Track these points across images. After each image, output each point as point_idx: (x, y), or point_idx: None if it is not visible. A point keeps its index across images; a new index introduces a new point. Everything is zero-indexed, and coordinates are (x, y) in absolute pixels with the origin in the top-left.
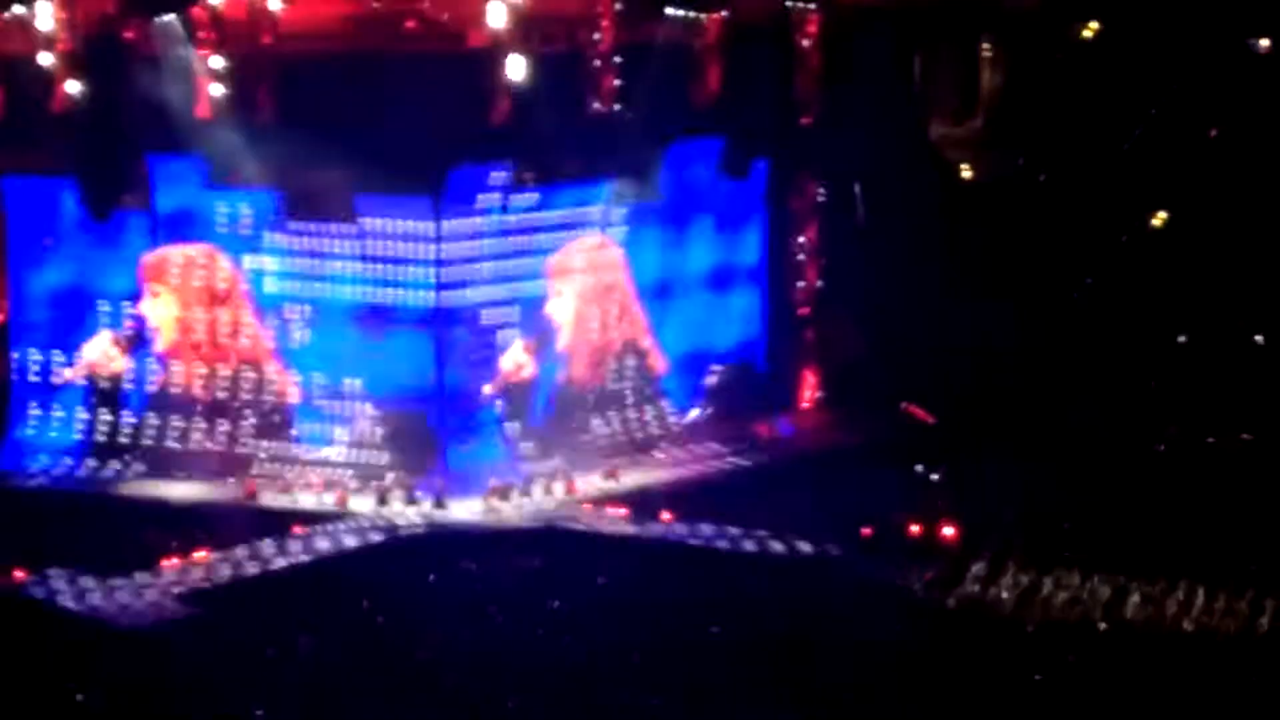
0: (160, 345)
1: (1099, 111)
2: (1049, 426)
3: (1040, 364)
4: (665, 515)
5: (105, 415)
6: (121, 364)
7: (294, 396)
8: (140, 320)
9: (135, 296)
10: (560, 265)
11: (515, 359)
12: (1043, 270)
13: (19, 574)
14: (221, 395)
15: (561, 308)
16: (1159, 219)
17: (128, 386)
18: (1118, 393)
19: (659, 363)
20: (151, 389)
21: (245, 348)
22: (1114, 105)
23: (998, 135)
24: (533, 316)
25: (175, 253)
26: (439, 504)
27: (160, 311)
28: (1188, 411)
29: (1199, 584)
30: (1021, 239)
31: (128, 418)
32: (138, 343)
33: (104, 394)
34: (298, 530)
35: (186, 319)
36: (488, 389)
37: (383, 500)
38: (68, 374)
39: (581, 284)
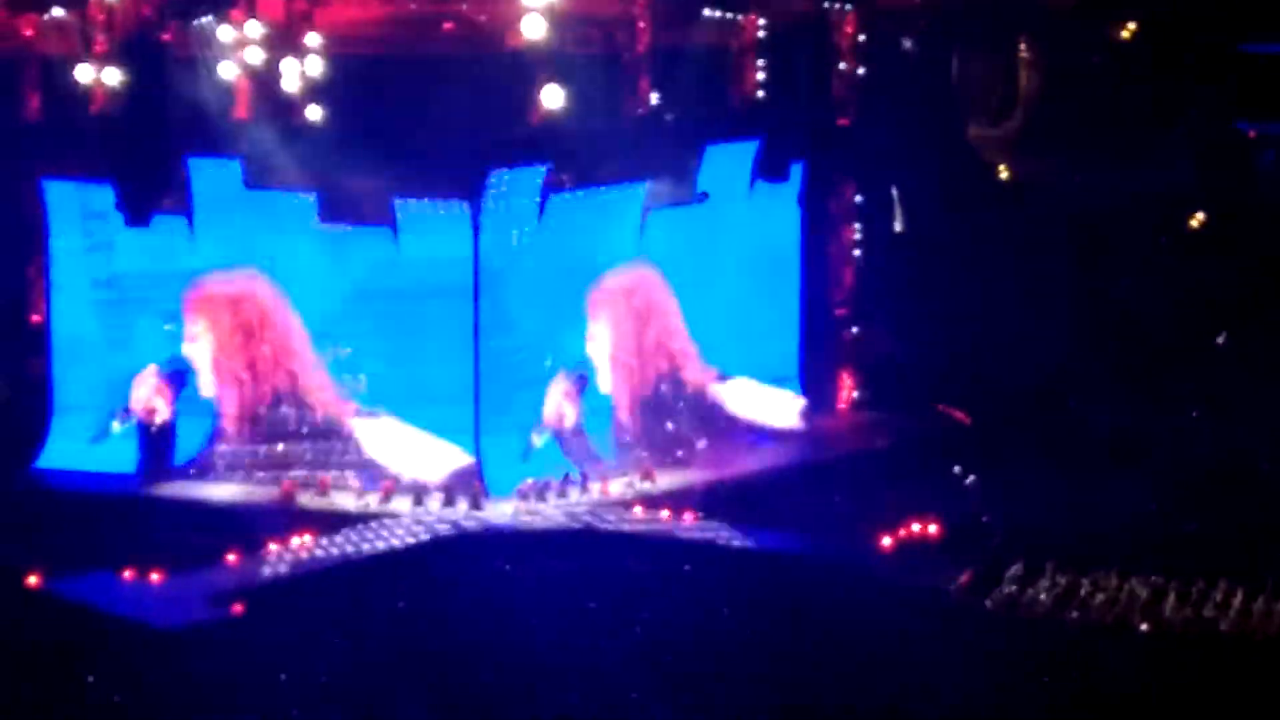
0: (204, 384)
1: (1136, 112)
2: (1086, 428)
3: (1077, 365)
4: (691, 516)
5: (152, 442)
6: (166, 413)
7: (336, 411)
8: (184, 362)
9: (176, 310)
10: (594, 303)
11: (558, 406)
12: (1080, 271)
13: (57, 575)
14: (262, 413)
15: (598, 349)
16: (1197, 220)
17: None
18: (1154, 394)
19: (706, 377)
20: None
21: (287, 377)
22: (1151, 105)
23: (1035, 136)
24: (572, 332)
25: (215, 287)
26: (475, 505)
27: (202, 353)
28: (1225, 414)
29: (1238, 586)
30: (1059, 240)
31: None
32: (182, 383)
33: (150, 431)
34: (334, 532)
35: (228, 358)
36: (536, 440)
37: (419, 501)
38: (116, 425)
39: (615, 323)
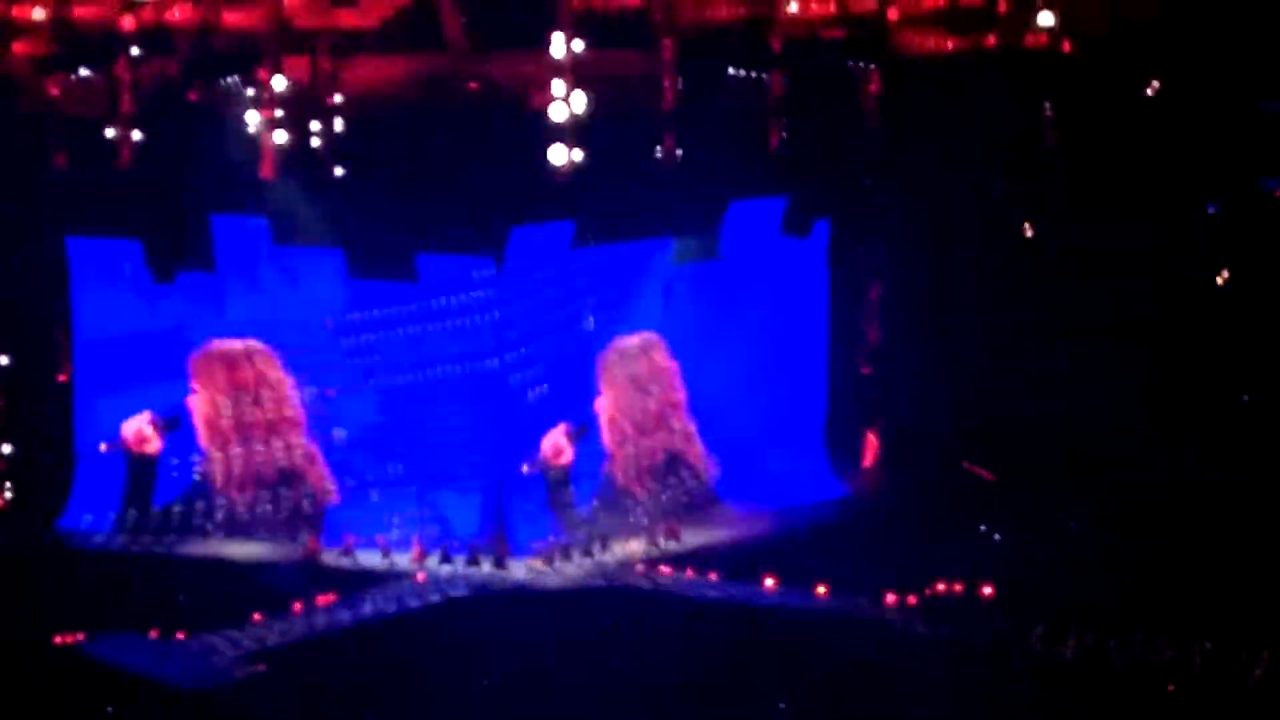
0: (202, 438)
1: (1161, 169)
2: (1114, 485)
3: (1105, 422)
4: (714, 575)
5: (144, 487)
6: (156, 445)
7: (334, 496)
8: (183, 409)
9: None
10: (603, 363)
11: (555, 441)
12: (1107, 327)
13: (81, 635)
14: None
15: (603, 405)
16: (1221, 277)
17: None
18: (1184, 451)
19: (709, 469)
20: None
21: (283, 451)
22: (1177, 161)
23: (1060, 192)
24: (583, 390)
25: (220, 352)
26: (499, 564)
27: (201, 409)
28: (1254, 470)
29: (1266, 646)
30: (1084, 296)
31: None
32: (174, 428)
33: (140, 469)
34: (357, 590)
35: (223, 424)
36: (525, 469)
37: (445, 559)
38: (102, 447)
39: (619, 387)
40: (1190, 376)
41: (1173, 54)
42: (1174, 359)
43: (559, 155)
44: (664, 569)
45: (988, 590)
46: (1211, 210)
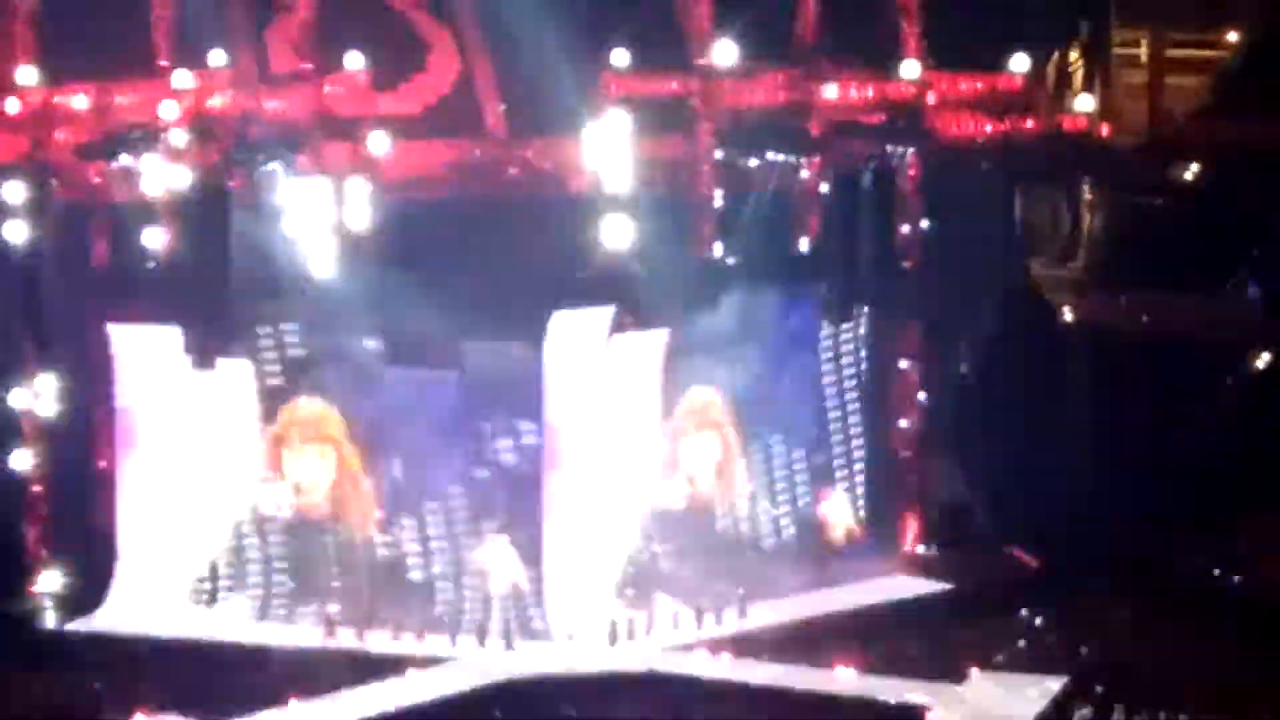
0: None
1: (1201, 252)
2: (1156, 573)
3: (1148, 508)
4: (759, 659)
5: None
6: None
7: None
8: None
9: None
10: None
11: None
12: (1148, 412)
13: None
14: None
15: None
16: (1263, 360)
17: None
18: (1226, 537)
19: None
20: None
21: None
22: (1216, 246)
23: (1099, 276)
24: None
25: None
26: (537, 644)
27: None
28: None
29: None
30: (1125, 380)
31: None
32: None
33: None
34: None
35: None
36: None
37: (481, 642)
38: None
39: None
40: (1232, 463)
41: (1214, 139)
42: (1215, 444)
43: (598, 240)
44: (706, 651)
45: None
46: (1252, 292)
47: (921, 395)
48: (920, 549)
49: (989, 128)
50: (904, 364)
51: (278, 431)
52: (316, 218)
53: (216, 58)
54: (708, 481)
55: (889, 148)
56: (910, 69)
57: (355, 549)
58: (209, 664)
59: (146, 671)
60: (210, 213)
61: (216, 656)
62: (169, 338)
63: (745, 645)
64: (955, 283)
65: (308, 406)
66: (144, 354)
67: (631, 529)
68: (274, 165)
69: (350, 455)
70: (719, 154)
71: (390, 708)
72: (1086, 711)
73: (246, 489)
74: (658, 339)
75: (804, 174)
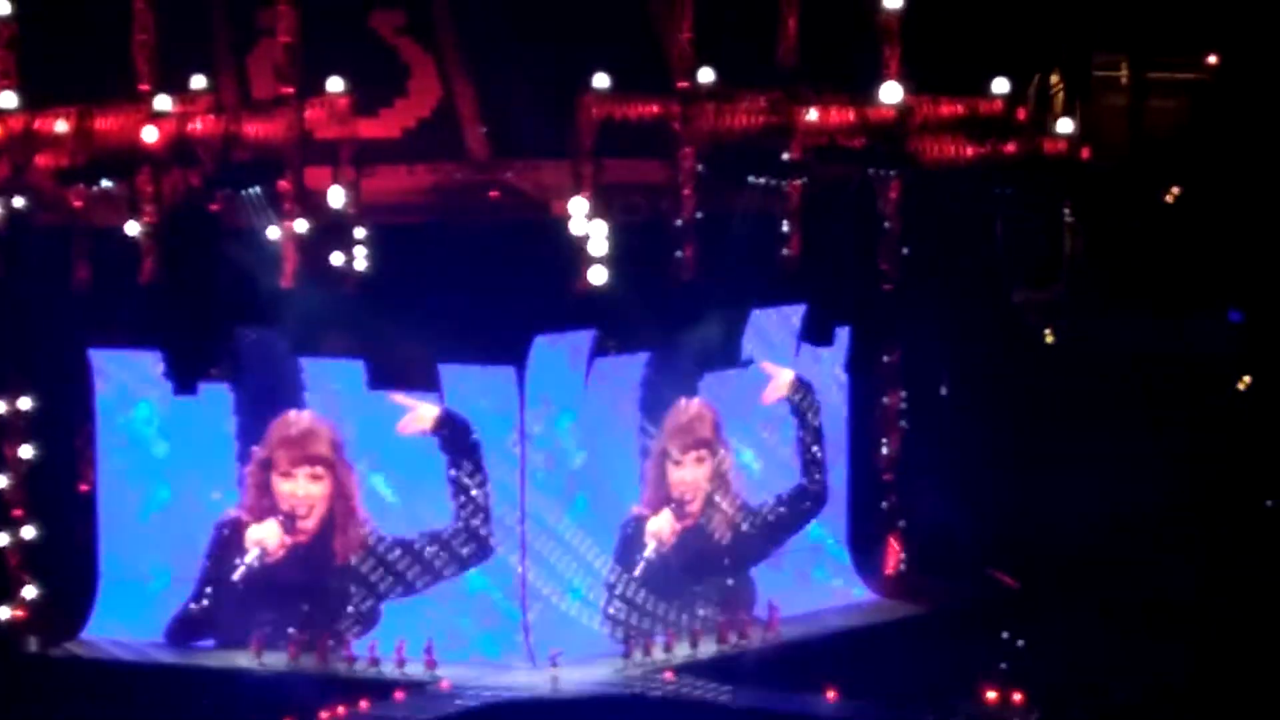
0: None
1: (1182, 274)
2: (1139, 592)
3: (1129, 528)
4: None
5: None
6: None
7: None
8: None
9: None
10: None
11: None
12: (1130, 433)
13: None
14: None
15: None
16: (1244, 382)
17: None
18: (1209, 559)
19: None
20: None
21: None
22: (1197, 268)
23: (1081, 299)
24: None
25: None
26: (523, 668)
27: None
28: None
29: None
30: (1106, 402)
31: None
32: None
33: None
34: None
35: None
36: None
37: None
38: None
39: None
40: (1214, 482)
41: (1195, 161)
42: (1197, 465)
43: (579, 264)
44: (687, 675)
45: (1017, 697)
46: (1234, 317)
47: (902, 419)
48: (901, 571)
49: (970, 151)
50: (885, 386)
51: (265, 455)
52: (298, 241)
53: (198, 82)
54: (695, 504)
55: (870, 171)
56: (892, 93)
57: (344, 573)
58: (188, 687)
59: (128, 695)
60: (191, 237)
61: (198, 679)
62: (150, 361)
63: (728, 668)
64: (936, 305)
65: (296, 423)
66: (125, 378)
67: (617, 552)
68: (256, 188)
69: (344, 473)
70: (700, 175)
71: None
72: None
73: (234, 522)
74: (639, 361)
75: (785, 197)
